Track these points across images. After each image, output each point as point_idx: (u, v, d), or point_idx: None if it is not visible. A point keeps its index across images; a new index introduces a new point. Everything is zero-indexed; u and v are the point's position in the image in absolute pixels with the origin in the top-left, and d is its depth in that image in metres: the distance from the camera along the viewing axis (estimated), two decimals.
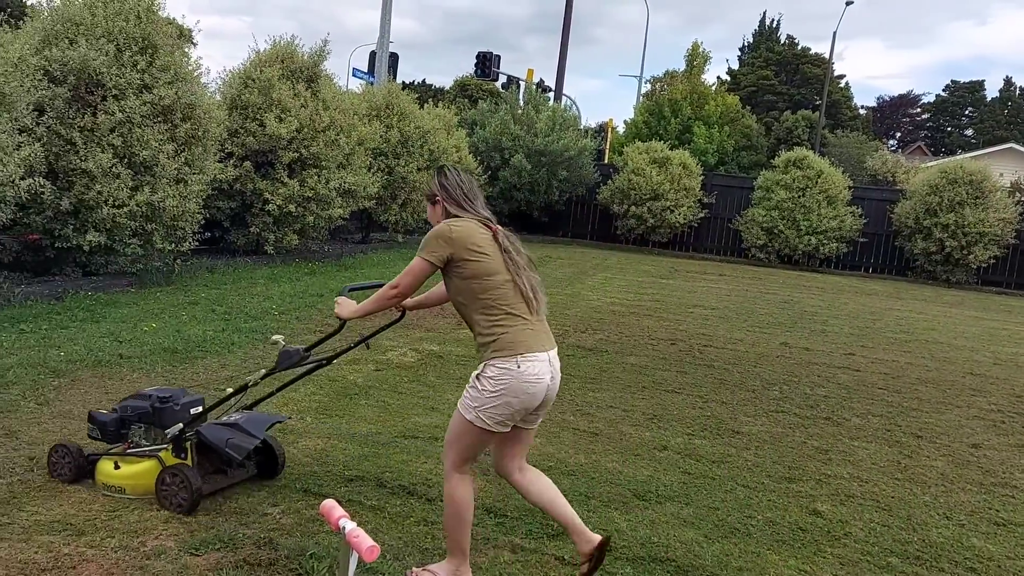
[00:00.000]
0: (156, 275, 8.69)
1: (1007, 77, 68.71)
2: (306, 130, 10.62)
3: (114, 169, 7.79)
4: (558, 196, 18.10)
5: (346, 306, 3.13)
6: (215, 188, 9.68)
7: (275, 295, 8.55)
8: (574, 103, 32.23)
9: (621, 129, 35.69)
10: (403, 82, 40.41)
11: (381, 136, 12.68)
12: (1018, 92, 65.85)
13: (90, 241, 7.75)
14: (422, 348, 6.86)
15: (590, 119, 74.10)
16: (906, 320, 10.81)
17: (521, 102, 19.71)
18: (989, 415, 6.28)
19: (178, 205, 8.31)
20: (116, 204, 7.82)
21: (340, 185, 11.06)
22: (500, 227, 3.01)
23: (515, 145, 17.64)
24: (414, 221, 14.34)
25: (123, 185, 7.82)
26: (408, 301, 3.35)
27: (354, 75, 24.40)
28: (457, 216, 2.97)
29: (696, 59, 35.10)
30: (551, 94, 23.51)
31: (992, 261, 16.07)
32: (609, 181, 18.28)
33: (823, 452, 5.11)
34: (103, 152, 7.71)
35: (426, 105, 16.36)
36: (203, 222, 9.40)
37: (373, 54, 18.65)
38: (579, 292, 10.90)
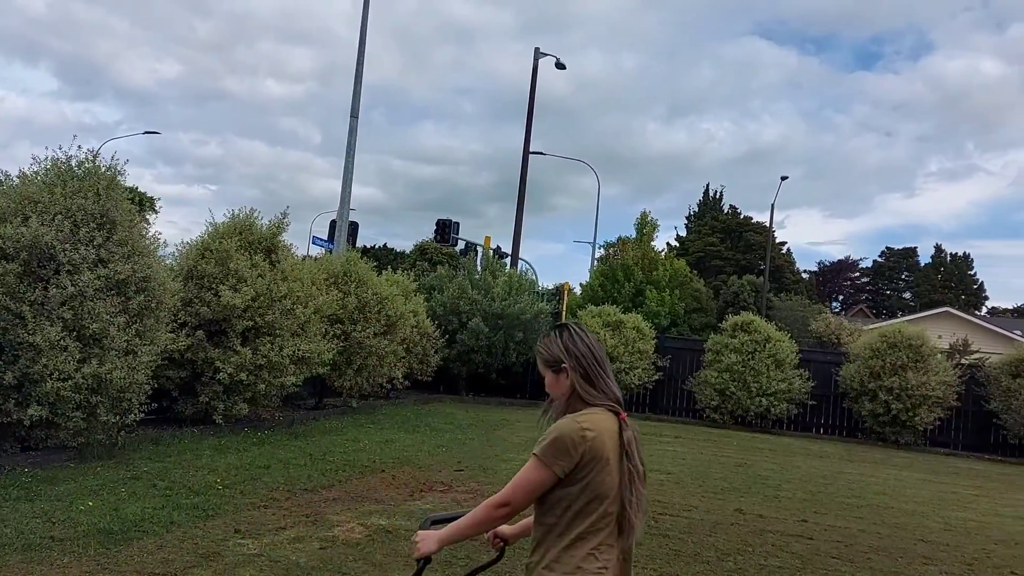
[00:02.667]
0: (98, 448, 8.46)
1: (937, 244, 72.71)
2: (262, 299, 10.76)
3: (62, 342, 7.75)
4: (515, 358, 18.28)
5: (428, 540, 2.37)
6: (165, 358, 9.63)
7: (220, 467, 8.34)
8: (530, 267, 33.24)
9: (578, 291, 36.60)
10: (364, 246, 41.39)
11: (338, 303, 12.86)
12: (948, 258, 69.41)
13: (31, 415, 7.58)
14: (370, 523, 6.69)
15: (547, 282, 76.00)
16: (857, 484, 10.87)
17: (479, 267, 20.27)
18: None
19: (126, 376, 8.23)
20: (61, 377, 7.72)
21: (294, 352, 11.09)
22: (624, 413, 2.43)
23: (472, 309, 17.97)
24: (369, 386, 14.29)
25: (70, 358, 7.76)
26: (507, 528, 2.64)
27: (314, 243, 24.98)
28: (588, 400, 2.38)
29: (646, 226, 36.70)
30: (508, 259, 24.25)
31: (938, 423, 16.40)
32: None
33: None
34: (52, 325, 7.70)
35: (385, 271, 16.75)
36: (150, 392, 9.28)
37: (333, 223, 19.21)
38: None
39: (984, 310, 60.58)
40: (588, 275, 36.20)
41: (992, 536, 8.15)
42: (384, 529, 6.50)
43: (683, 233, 61.02)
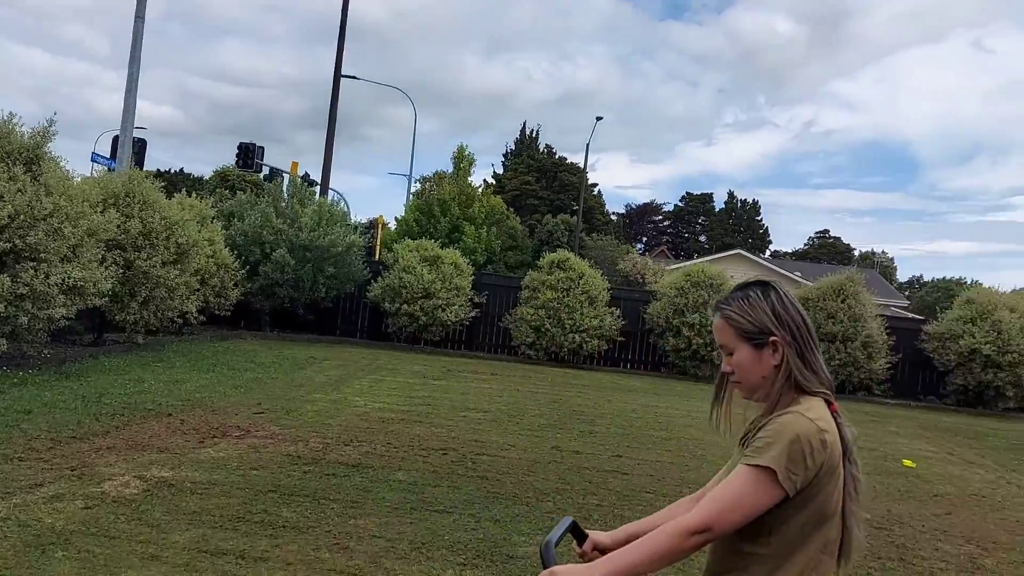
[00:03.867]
0: None
1: (730, 191, 77.95)
2: (22, 218, 9.20)
3: None
4: (325, 293, 17.32)
5: (559, 571, 1.69)
6: None
7: None
8: (342, 198, 31.85)
9: (392, 226, 35.68)
10: (157, 170, 37.89)
11: (118, 226, 11.35)
12: (739, 204, 74.66)
13: None
14: (150, 475, 5.81)
15: (360, 215, 74.00)
16: (665, 417, 11.15)
17: (285, 195, 18.91)
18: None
19: None
20: None
21: (64, 281, 9.64)
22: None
23: (278, 239, 16.74)
24: (157, 321, 12.90)
25: None
26: (605, 537, 2.08)
27: (92, 160, 22.29)
28: (804, 386, 1.81)
29: (463, 161, 36.27)
30: (317, 188, 22.92)
31: None
32: (380, 278, 17.82)
33: None
34: None
35: (177, 195, 15.12)
36: None
37: (116, 139, 17.10)
38: (345, 397, 10.16)
39: (768, 252, 65.96)
40: (403, 209, 35.35)
41: None
42: (166, 482, 5.66)
43: (500, 171, 61.29)
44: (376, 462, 6.92)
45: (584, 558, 2.01)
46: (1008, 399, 16.27)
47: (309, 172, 26.38)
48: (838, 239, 73.62)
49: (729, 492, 1.69)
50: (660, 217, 76.55)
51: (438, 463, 7.10)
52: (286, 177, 24.43)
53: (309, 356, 14.18)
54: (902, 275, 68.39)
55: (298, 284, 16.87)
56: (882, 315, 17.74)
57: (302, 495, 5.74)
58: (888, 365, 16.83)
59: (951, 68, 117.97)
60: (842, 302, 16.78)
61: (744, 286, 1.92)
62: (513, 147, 63.48)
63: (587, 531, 2.06)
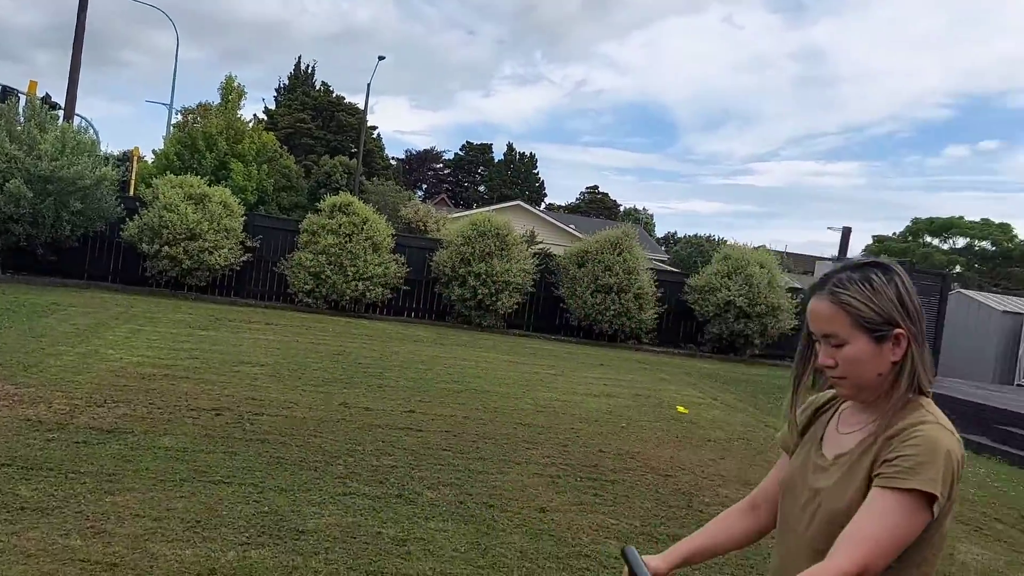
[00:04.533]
0: None
1: (509, 143, 79.39)
2: None
3: None
4: (70, 231, 15.25)
5: None
6: None
7: None
8: (91, 126, 28.33)
9: (150, 159, 32.47)
10: None
11: None
12: (518, 157, 76.35)
13: None
14: None
15: (113, 146, 67.01)
16: (454, 368, 10.97)
17: (21, 118, 16.33)
18: (546, 470, 6.30)
19: None
20: None
21: None
22: None
23: (11, 168, 14.44)
24: None
25: None
26: (661, 563, 1.76)
27: None
28: (923, 387, 1.58)
29: (231, 93, 33.70)
30: (61, 112, 20.12)
31: (515, 307, 17.60)
32: (136, 216, 15.98)
33: (401, 543, 4.44)
34: None
35: None
36: None
37: None
38: (96, 350, 8.94)
39: (544, 205, 68.21)
40: (163, 142, 32.24)
41: (576, 415, 8.65)
42: None
43: (272, 106, 57.85)
44: (136, 426, 6.06)
45: None
46: (755, 346, 17.91)
47: (51, 95, 23.12)
48: (606, 195, 77.54)
49: (882, 526, 1.43)
50: (440, 165, 76.46)
51: (211, 425, 6.38)
52: (22, 98, 21.20)
53: (51, 302, 12.44)
54: (660, 231, 73.68)
55: (37, 220, 14.72)
56: (652, 268, 18.76)
57: (45, 468, 4.87)
58: (656, 316, 17.87)
59: (706, 39, 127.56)
60: (618, 255, 17.49)
61: (859, 267, 1.62)
62: (287, 83, 60.04)
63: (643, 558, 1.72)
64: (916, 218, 41.34)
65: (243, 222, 16.86)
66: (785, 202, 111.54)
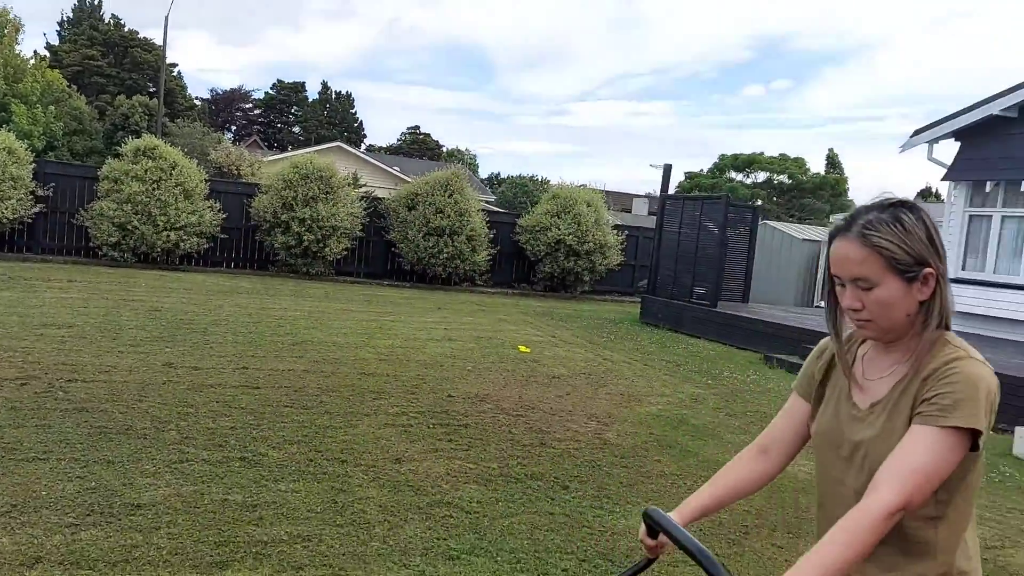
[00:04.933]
0: None
1: (324, 82, 76.47)
2: None
3: None
4: None
5: None
6: None
7: None
8: None
9: None
10: None
11: None
12: (334, 96, 73.70)
13: None
14: None
15: None
16: (286, 319, 10.46)
17: None
18: (397, 420, 6.13)
19: None
20: None
21: None
22: None
23: None
24: None
25: None
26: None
27: None
28: (947, 323, 1.58)
29: (6, 27, 30.04)
30: None
31: (345, 253, 17.06)
32: None
33: (251, 508, 4.15)
34: None
35: None
36: None
37: None
38: None
39: (364, 147, 66.44)
40: None
41: (421, 361, 8.50)
42: None
43: (55, 42, 52.11)
44: None
45: (657, 551, 1.68)
46: (586, 283, 18.47)
47: None
48: (428, 135, 76.63)
49: (924, 461, 1.42)
50: (250, 105, 72.28)
51: (17, 397, 5.67)
52: None
53: None
54: (484, 172, 73.96)
55: None
56: (483, 210, 18.75)
57: None
58: (489, 257, 17.94)
59: None
60: (449, 197, 17.29)
61: (886, 207, 1.55)
62: (71, 16, 54.20)
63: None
64: (722, 155, 44.09)
65: (32, 170, 15.11)
66: (602, 141, 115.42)
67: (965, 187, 12.89)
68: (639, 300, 15.50)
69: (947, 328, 1.58)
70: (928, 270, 1.53)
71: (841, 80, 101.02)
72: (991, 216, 12.39)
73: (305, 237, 16.16)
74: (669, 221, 14.52)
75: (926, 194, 44.21)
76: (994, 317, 11.97)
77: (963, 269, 12.65)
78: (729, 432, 6.67)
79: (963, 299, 12.26)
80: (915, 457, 1.43)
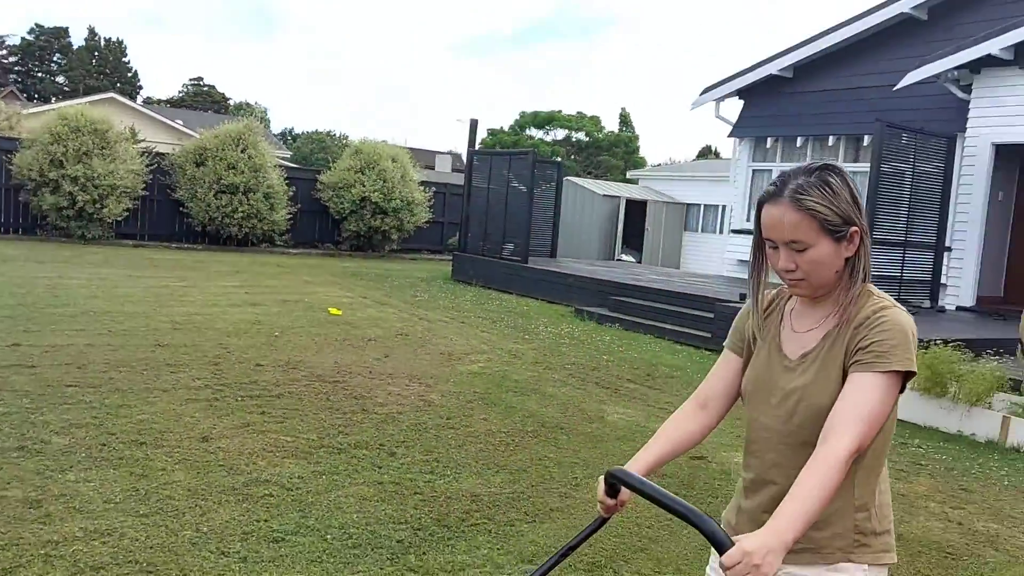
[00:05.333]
0: None
1: (90, 27, 69.27)
2: None
3: None
4: None
5: (772, 555, 1.34)
6: None
7: None
8: None
9: None
10: None
11: None
12: (103, 43, 67.11)
13: None
14: None
15: None
16: (61, 288, 9.35)
17: None
18: (200, 394, 5.62)
19: None
20: None
21: None
22: None
23: None
24: None
25: None
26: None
27: None
28: (867, 279, 1.64)
29: None
30: None
31: (126, 214, 15.56)
32: None
33: (35, 505, 3.62)
34: None
35: None
36: None
37: None
38: None
39: (140, 99, 61.01)
40: None
41: (222, 329, 7.90)
42: None
43: None
44: None
45: (613, 511, 1.72)
46: (393, 241, 18.10)
47: None
48: (213, 87, 71.64)
49: (867, 406, 1.52)
50: (4, 52, 64.18)
51: None
52: None
53: None
54: (276, 127, 70.37)
55: None
56: (281, 165, 17.78)
57: None
58: (289, 216, 17.08)
59: None
60: (242, 152, 16.21)
61: (812, 171, 1.62)
62: None
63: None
64: (523, 112, 44.74)
65: None
66: (403, 98, 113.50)
67: (748, 143, 13.85)
68: (450, 258, 15.42)
69: (867, 280, 1.68)
70: (854, 228, 1.62)
71: (633, 39, 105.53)
72: (771, 170, 13.42)
73: (79, 197, 14.54)
74: (478, 177, 14.47)
75: (706, 153, 47.54)
76: None
77: (747, 220, 13.64)
78: (550, 386, 6.73)
79: (747, 249, 13.20)
80: (864, 403, 1.52)
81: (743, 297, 9.45)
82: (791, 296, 1.76)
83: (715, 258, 17.84)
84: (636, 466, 1.73)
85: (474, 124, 14.70)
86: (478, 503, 4.08)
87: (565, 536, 3.75)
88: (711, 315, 9.18)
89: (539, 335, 9.19)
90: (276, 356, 6.92)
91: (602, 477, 1.69)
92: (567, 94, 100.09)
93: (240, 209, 15.95)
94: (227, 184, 15.89)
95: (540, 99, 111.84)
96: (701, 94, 14.20)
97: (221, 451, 4.53)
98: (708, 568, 1.83)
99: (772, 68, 13.08)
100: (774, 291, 1.79)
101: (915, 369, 1.57)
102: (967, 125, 10.42)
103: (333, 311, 9.35)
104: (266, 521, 3.67)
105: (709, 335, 8.97)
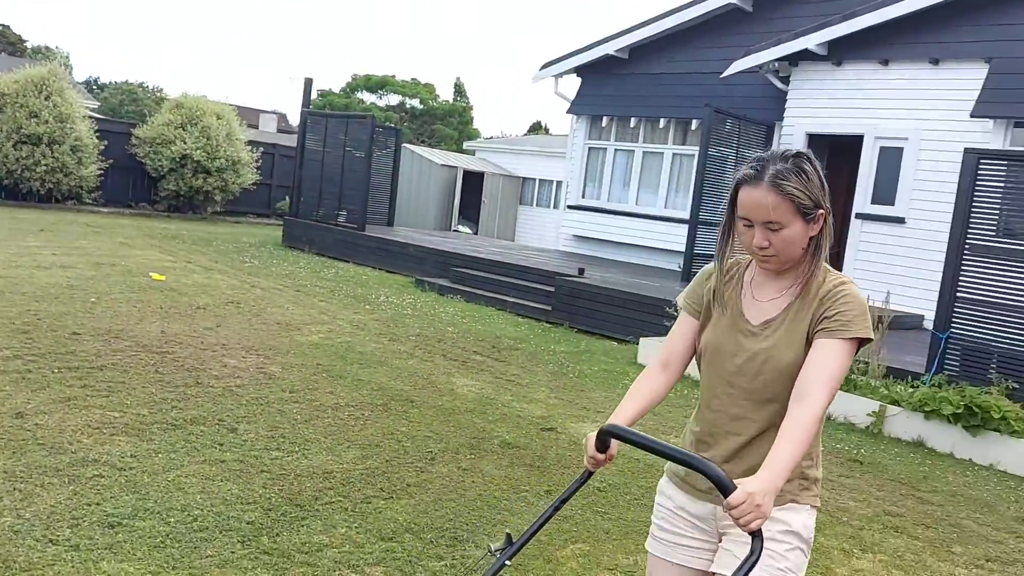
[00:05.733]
0: None
1: None
2: None
3: None
4: None
5: (767, 498, 1.55)
6: None
7: None
8: None
9: None
10: None
11: None
12: None
13: None
14: None
15: None
16: None
17: None
18: (10, 365, 5.06)
19: None
20: None
21: None
22: None
23: None
24: None
25: None
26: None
27: None
28: (826, 257, 1.86)
29: None
30: None
31: None
32: None
33: None
34: None
35: None
36: None
37: None
38: None
39: None
40: None
41: (29, 293, 7.14)
42: None
43: None
44: None
45: (600, 465, 1.91)
46: (217, 203, 17.07)
47: None
48: (7, 27, 64.28)
49: (836, 368, 1.73)
50: None
51: None
52: None
53: None
54: (80, 74, 64.11)
55: None
56: (91, 116, 16.24)
57: None
58: (100, 172, 15.66)
59: None
60: (46, 99, 14.66)
61: (788, 157, 1.78)
62: None
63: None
64: (355, 74, 43.37)
65: None
66: (223, 50, 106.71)
67: (585, 121, 14.18)
68: (280, 223, 14.75)
69: (828, 258, 1.87)
70: (821, 211, 1.79)
71: (472, 4, 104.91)
72: (606, 148, 13.83)
73: None
74: (312, 140, 13.90)
75: (536, 128, 48.33)
76: (608, 241, 13.50)
77: (583, 197, 14.02)
78: (398, 358, 6.60)
79: (583, 224, 13.60)
80: (832, 366, 1.72)
81: (581, 272, 9.73)
82: (748, 267, 1.93)
83: (550, 232, 18.22)
84: (618, 422, 1.86)
85: (308, 83, 14.09)
86: (331, 480, 3.93)
87: (425, 512, 3.69)
88: (551, 288, 9.36)
89: (381, 305, 9.00)
90: (95, 324, 6.34)
91: (593, 434, 1.85)
92: (401, 60, 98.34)
93: (43, 162, 14.45)
94: (28, 134, 14.33)
95: (373, 63, 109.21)
96: (541, 69, 14.35)
97: (39, 428, 4.09)
98: (655, 515, 2.00)
99: (609, 48, 13.42)
100: (730, 260, 1.94)
101: (872, 336, 1.78)
102: (784, 115, 11.19)
103: (156, 277, 8.69)
104: (98, 504, 3.36)
105: (550, 308, 9.15)
